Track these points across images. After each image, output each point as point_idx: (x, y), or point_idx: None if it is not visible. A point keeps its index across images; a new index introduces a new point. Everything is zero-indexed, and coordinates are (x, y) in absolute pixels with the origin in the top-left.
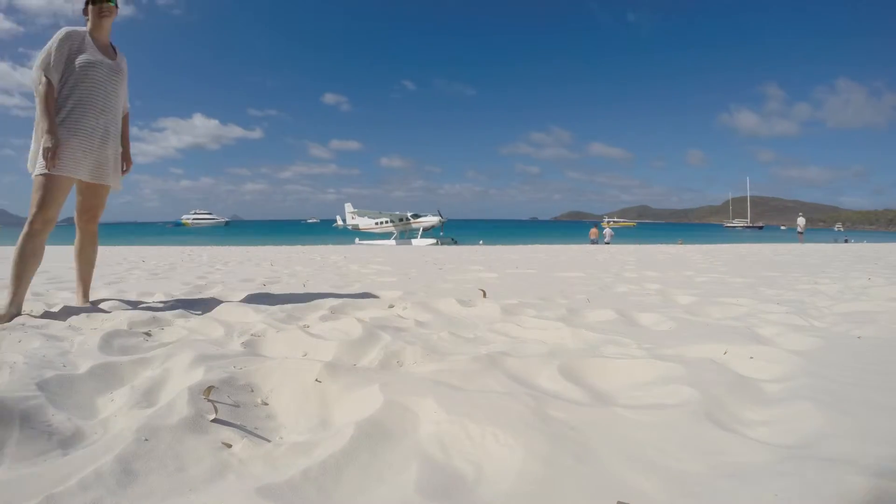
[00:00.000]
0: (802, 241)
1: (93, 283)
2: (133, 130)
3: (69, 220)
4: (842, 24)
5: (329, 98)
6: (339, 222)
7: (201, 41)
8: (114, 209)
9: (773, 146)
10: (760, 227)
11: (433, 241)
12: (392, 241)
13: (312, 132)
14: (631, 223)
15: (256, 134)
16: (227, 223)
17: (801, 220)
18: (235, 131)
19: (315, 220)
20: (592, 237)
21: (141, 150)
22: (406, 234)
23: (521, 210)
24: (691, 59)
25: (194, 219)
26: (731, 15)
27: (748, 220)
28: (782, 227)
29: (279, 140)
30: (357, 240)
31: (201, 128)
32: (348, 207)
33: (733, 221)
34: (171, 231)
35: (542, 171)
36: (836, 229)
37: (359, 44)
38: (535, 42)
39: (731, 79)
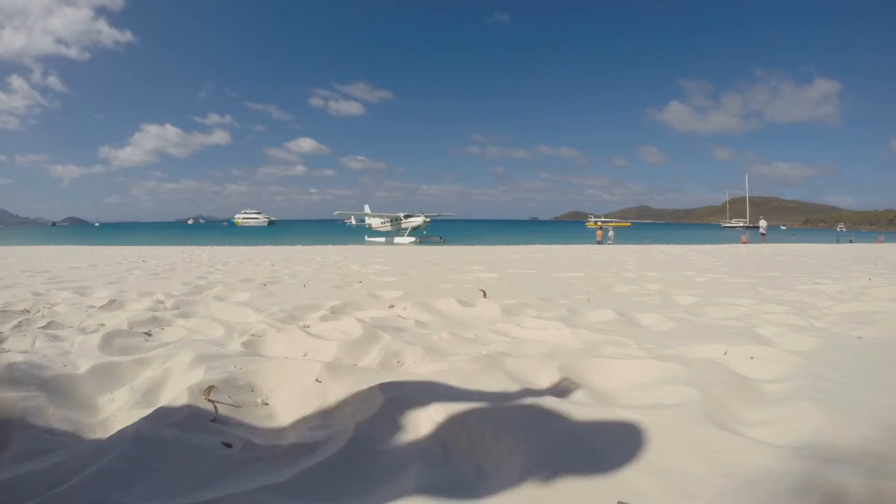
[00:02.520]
0: (764, 241)
1: (93, 284)
2: (99, 135)
3: (71, 220)
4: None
5: (254, 105)
6: (353, 221)
7: (144, 67)
8: (108, 210)
9: (727, 143)
10: (758, 227)
11: (413, 239)
12: (382, 239)
13: (265, 136)
14: (626, 223)
15: (216, 139)
16: (269, 223)
17: (763, 223)
18: (199, 138)
19: (351, 222)
20: (599, 238)
21: (115, 155)
22: (396, 233)
23: (509, 210)
24: (607, 59)
25: (244, 218)
26: (638, 11)
27: (747, 220)
28: (783, 227)
29: (236, 144)
30: (367, 237)
31: (166, 135)
32: (367, 208)
33: (731, 221)
34: (227, 230)
35: (506, 171)
36: (838, 230)
37: (265, 55)
38: (443, 44)
39: (653, 75)
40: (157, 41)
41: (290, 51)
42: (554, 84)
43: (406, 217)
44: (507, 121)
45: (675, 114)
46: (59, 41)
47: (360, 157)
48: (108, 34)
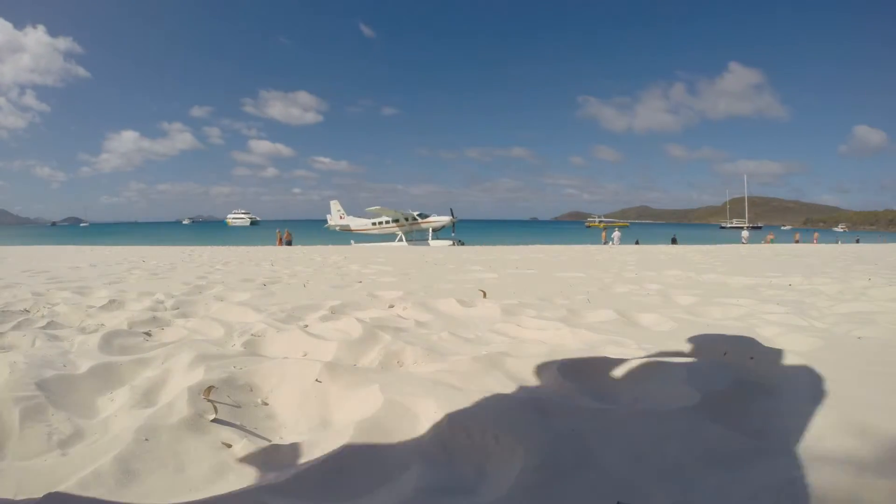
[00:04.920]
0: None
1: (92, 283)
2: (73, 138)
3: (71, 219)
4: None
5: (197, 111)
6: (331, 223)
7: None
8: (103, 209)
9: (673, 140)
10: (759, 228)
11: (449, 242)
12: (402, 243)
13: (227, 140)
14: (624, 223)
15: (181, 144)
16: (252, 222)
17: (745, 233)
18: (165, 143)
19: (330, 225)
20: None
21: (100, 159)
22: (415, 235)
23: (493, 210)
24: (521, 64)
25: (233, 218)
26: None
27: (746, 221)
28: (784, 228)
29: (203, 149)
30: (353, 242)
31: (134, 140)
32: (335, 205)
33: (732, 222)
34: (224, 229)
35: (475, 173)
36: (838, 230)
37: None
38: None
39: (574, 76)
40: (113, 67)
41: (214, 62)
42: (481, 91)
43: (421, 216)
44: (444, 125)
45: (594, 109)
46: (34, 70)
47: (323, 159)
48: (73, 69)
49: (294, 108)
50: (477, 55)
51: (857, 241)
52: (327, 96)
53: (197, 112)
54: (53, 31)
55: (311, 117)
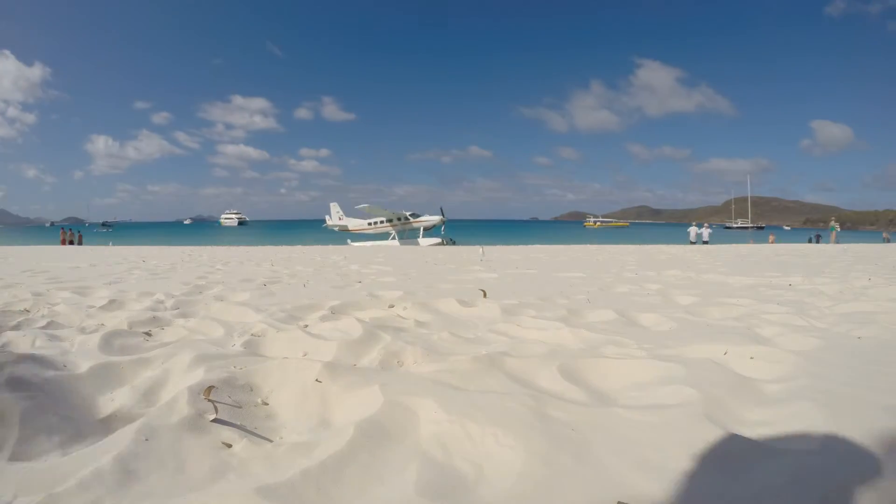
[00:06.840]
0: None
1: (92, 283)
2: (61, 144)
3: (70, 219)
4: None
5: (157, 118)
6: (329, 223)
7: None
8: (100, 210)
9: (632, 139)
10: (761, 228)
11: (437, 240)
12: (395, 242)
13: (201, 144)
14: (624, 223)
15: (155, 149)
16: (239, 223)
17: (693, 229)
18: (142, 147)
19: (328, 225)
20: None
21: (77, 163)
22: (407, 234)
23: (481, 210)
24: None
25: (225, 218)
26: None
27: (748, 221)
28: (786, 228)
29: (178, 153)
30: (349, 241)
31: (117, 146)
32: (334, 207)
33: (737, 222)
34: (215, 229)
35: (447, 174)
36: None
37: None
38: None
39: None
40: (86, 83)
41: (171, 75)
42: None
43: (413, 216)
44: (397, 128)
45: (526, 111)
46: (14, 89)
47: (292, 160)
48: (49, 92)
49: (241, 113)
50: (408, 55)
51: (887, 241)
52: (278, 104)
53: (157, 119)
54: (27, 60)
55: (262, 121)
